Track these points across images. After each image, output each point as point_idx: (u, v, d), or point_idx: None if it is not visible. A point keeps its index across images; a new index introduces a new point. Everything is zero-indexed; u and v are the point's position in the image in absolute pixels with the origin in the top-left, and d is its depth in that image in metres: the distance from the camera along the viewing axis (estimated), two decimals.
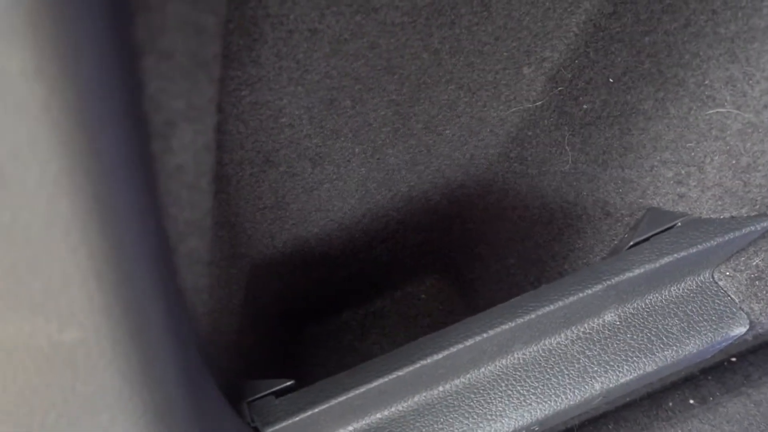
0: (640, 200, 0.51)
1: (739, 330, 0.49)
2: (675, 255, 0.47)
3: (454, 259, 0.76)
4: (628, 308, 0.49)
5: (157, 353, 0.26)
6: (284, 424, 0.42)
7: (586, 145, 0.54)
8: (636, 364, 0.48)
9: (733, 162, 0.47)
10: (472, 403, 0.46)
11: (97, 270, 0.22)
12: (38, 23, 0.16)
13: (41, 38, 0.16)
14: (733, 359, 0.64)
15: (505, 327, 0.45)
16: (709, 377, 0.65)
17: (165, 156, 0.25)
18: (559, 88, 0.55)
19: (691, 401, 0.63)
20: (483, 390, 0.46)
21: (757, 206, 0.48)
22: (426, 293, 0.81)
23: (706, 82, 0.47)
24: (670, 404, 0.64)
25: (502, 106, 0.56)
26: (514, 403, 0.46)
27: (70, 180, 0.20)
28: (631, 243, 0.49)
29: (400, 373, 0.44)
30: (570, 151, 0.54)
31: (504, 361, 0.47)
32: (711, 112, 0.47)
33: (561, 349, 0.48)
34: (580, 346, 0.48)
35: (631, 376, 0.48)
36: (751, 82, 0.45)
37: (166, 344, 0.26)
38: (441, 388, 0.46)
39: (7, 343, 0.22)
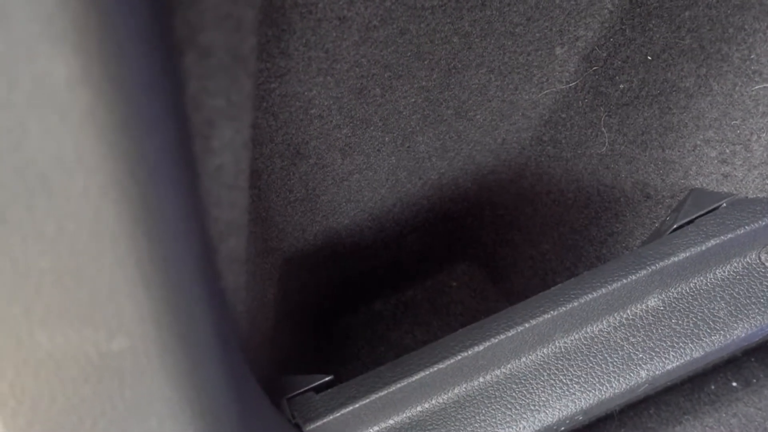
0: (683, 181, 0.49)
1: None
2: (721, 237, 0.46)
3: (486, 247, 0.75)
4: (672, 293, 0.47)
5: (203, 356, 0.25)
6: (326, 420, 0.42)
7: (624, 126, 0.52)
8: (683, 350, 0.47)
9: None
10: (514, 394, 0.45)
11: (144, 277, 0.21)
12: (84, 27, 0.15)
13: (87, 43, 0.16)
14: None
15: (547, 316, 0.44)
16: (753, 359, 0.63)
17: (206, 156, 0.24)
18: (594, 68, 0.53)
19: (734, 384, 0.62)
20: (525, 380, 0.45)
21: None
22: (457, 281, 0.80)
23: (752, 56, 0.45)
24: (713, 387, 0.62)
25: (534, 88, 0.55)
26: (557, 392, 0.45)
27: (116, 188, 0.19)
28: (675, 226, 0.47)
29: (441, 365, 0.43)
30: (607, 132, 0.53)
31: (546, 350, 0.46)
32: (758, 87, 0.45)
33: (604, 337, 0.47)
34: (623, 332, 0.47)
35: (677, 363, 0.47)
36: None
37: (211, 347, 0.26)
38: (482, 380, 0.45)
39: (56, 354, 0.22)
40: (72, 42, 0.15)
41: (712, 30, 0.46)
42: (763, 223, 0.46)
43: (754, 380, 0.62)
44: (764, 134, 0.45)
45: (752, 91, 0.45)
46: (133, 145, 0.18)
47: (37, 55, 0.15)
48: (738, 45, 0.45)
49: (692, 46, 0.48)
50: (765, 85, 0.45)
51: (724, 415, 0.60)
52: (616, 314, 0.47)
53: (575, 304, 0.44)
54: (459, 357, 0.43)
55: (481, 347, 0.43)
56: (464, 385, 0.45)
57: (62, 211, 0.19)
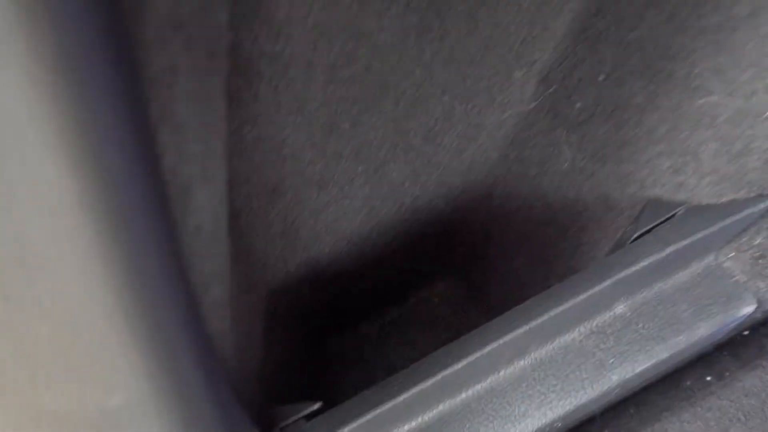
0: (640, 192, 0.52)
1: (748, 309, 0.51)
2: (679, 243, 0.49)
3: (463, 264, 0.77)
4: (638, 299, 0.50)
5: (198, 405, 0.27)
6: None
7: (583, 143, 0.55)
8: (650, 353, 0.49)
9: (727, 148, 0.48)
10: (495, 407, 0.47)
11: (135, 335, 0.23)
12: (77, 141, 0.18)
13: (73, 139, 0.18)
14: (746, 332, 0.65)
15: (521, 330, 0.47)
16: (724, 352, 0.66)
17: (185, 217, 0.27)
18: (551, 89, 0.56)
19: (708, 378, 0.65)
20: (504, 393, 0.48)
21: (755, 188, 0.49)
22: (438, 297, 0.83)
23: (695, 72, 0.48)
24: (688, 383, 0.65)
25: (497, 111, 0.58)
26: (535, 402, 0.47)
27: (103, 260, 0.21)
28: (635, 236, 0.50)
29: (423, 385, 0.45)
30: (567, 149, 0.56)
31: (522, 363, 0.49)
32: (701, 101, 0.48)
33: (576, 345, 0.49)
34: (594, 340, 0.49)
35: (646, 365, 0.49)
36: (738, 69, 0.46)
37: (204, 394, 0.28)
38: (463, 395, 0.48)
39: (60, 413, 0.24)
40: (61, 148, 0.17)
41: (657, 49, 0.50)
42: (717, 228, 0.49)
43: (727, 373, 0.65)
44: (711, 144, 0.48)
45: (697, 105, 0.48)
46: (116, 221, 0.21)
47: (30, 159, 0.17)
48: (681, 63, 0.48)
49: (640, 66, 0.51)
50: (708, 98, 0.48)
51: (699, 409, 0.62)
52: (586, 323, 0.49)
53: (546, 317, 0.46)
54: (440, 376, 0.46)
55: (461, 365, 0.46)
56: (447, 402, 0.47)
57: (57, 284, 0.21)
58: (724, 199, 0.50)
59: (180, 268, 0.26)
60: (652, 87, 0.51)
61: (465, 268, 0.79)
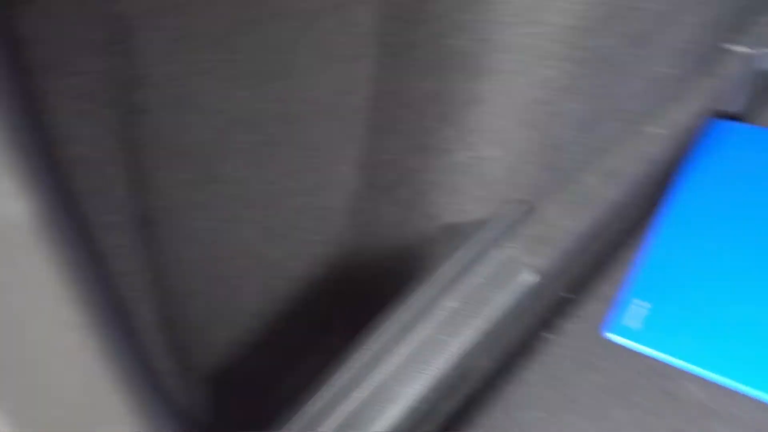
0: (437, 219, 0.74)
1: (531, 279, 0.72)
2: (474, 246, 0.70)
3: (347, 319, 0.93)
4: (459, 291, 0.70)
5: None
6: None
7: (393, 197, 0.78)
8: (477, 327, 0.69)
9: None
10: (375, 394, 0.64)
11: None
12: None
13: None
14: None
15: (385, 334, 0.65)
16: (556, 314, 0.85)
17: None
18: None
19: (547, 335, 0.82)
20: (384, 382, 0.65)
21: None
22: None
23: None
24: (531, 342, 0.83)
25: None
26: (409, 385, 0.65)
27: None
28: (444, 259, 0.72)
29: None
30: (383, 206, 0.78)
31: (393, 359, 0.66)
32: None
33: (428, 335, 0.67)
34: (436, 329, 0.68)
35: (475, 336, 0.68)
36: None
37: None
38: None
39: None
40: None
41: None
42: (497, 232, 0.72)
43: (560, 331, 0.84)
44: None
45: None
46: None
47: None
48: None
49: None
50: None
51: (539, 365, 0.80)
52: (430, 317, 0.69)
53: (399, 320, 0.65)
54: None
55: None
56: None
57: None
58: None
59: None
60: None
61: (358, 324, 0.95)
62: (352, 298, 0.78)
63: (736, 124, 1.06)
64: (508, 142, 0.67)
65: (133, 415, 0.38)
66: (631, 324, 0.82)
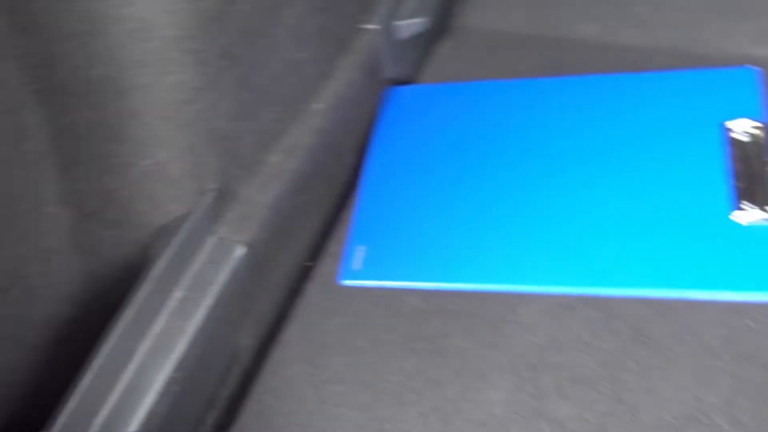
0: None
1: (241, 252, 0.83)
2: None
3: None
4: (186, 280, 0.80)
5: None
6: None
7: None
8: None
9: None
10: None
11: None
12: None
13: None
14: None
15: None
16: None
17: None
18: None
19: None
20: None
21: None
22: None
23: None
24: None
25: None
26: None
27: None
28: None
29: None
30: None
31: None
32: None
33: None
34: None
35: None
36: None
37: None
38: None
39: None
40: None
41: None
42: (200, 220, 0.82)
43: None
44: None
45: None
46: None
47: None
48: None
49: None
50: None
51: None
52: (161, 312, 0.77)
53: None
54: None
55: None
56: None
57: None
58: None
59: None
60: None
61: None
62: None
63: (406, 87, 1.29)
64: (175, 143, 0.78)
65: None
66: (356, 267, 0.98)
